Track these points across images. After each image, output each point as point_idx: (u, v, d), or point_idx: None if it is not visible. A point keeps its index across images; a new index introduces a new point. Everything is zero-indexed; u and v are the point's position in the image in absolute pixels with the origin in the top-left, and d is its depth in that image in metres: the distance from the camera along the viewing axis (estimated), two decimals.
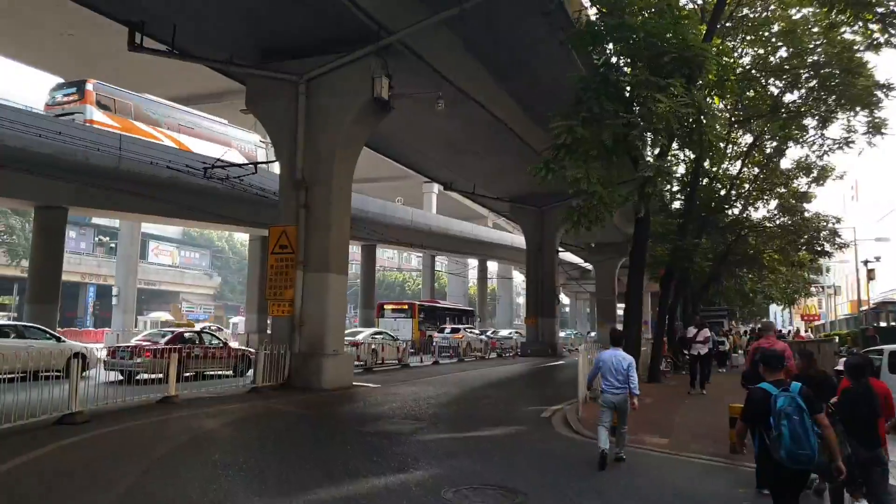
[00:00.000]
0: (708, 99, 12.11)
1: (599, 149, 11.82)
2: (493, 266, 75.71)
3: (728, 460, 7.72)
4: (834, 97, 16.87)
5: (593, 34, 12.38)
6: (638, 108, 11.77)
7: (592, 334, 69.16)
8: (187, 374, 13.69)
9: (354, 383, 15.56)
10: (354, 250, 40.54)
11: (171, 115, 30.33)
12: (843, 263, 34.80)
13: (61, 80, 28.36)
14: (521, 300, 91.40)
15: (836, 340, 24.68)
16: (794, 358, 7.18)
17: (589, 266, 66.08)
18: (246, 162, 25.93)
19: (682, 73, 11.31)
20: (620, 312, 72.13)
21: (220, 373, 16.32)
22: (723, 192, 20.26)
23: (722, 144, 13.05)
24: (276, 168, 19.13)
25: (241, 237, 68.01)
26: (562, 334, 53.03)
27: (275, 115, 15.96)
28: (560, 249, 38.52)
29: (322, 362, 14.31)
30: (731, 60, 14.87)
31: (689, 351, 14.67)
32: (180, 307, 58.90)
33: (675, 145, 13.22)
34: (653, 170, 10.91)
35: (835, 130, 20.31)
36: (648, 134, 11.82)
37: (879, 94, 15.40)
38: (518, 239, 50.07)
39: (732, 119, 19.38)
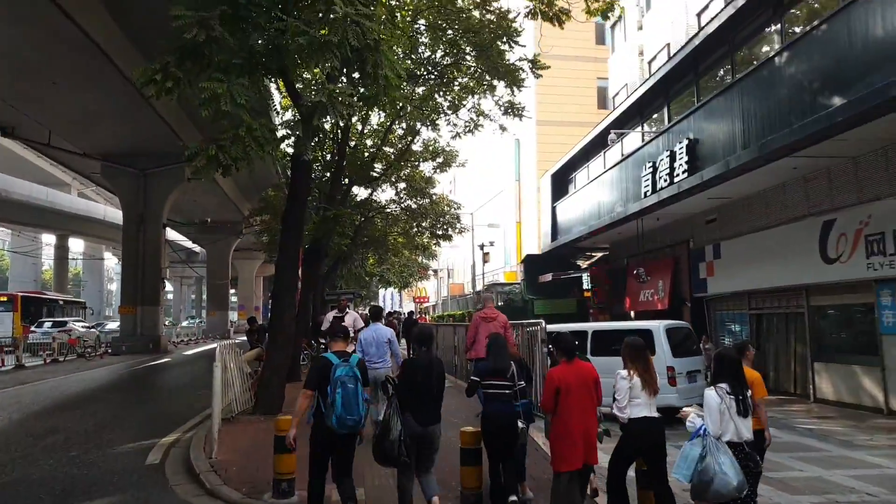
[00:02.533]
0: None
1: (246, 59, 8.22)
2: (78, 245, 62.79)
3: None
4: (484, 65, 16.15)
5: None
6: (303, 12, 8.46)
7: (198, 321, 63.11)
8: None
9: None
10: None
11: None
12: (454, 249, 37.46)
13: None
14: (116, 287, 78.89)
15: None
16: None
17: (197, 248, 60.08)
18: None
19: None
20: (234, 299, 68.23)
21: None
22: (366, 156, 18.09)
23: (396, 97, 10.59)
24: None
25: None
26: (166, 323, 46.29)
27: None
28: (165, 227, 32.49)
29: None
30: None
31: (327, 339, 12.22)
32: None
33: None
34: (324, 94, 7.75)
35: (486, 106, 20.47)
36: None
37: (526, 66, 15.12)
38: (114, 213, 41.47)
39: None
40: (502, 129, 17.17)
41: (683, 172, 12.58)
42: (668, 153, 13.17)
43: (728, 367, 4.56)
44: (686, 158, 12.47)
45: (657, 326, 9.96)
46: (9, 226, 41.43)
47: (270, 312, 9.80)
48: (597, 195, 18.35)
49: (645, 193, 14.36)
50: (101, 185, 34.60)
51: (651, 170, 14.06)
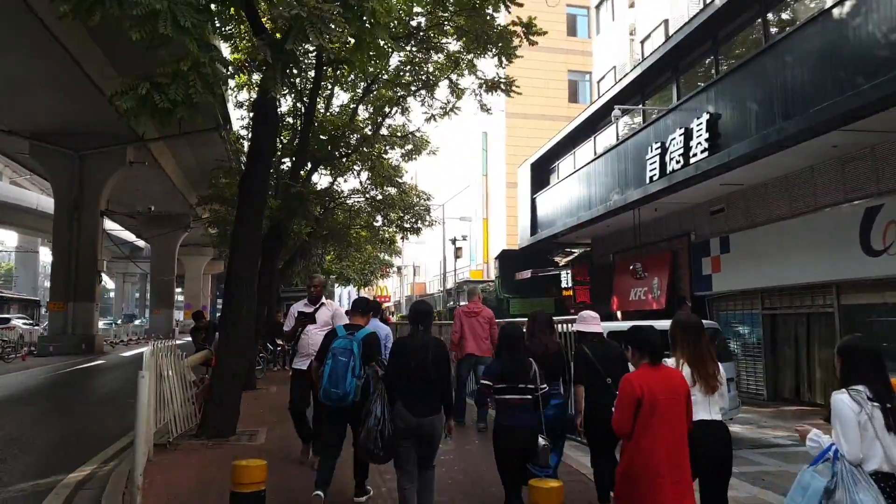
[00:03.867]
0: None
1: None
2: (10, 238, 58.49)
3: None
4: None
5: None
6: None
7: (139, 322, 59.25)
8: None
9: None
10: None
11: None
12: (420, 245, 35.50)
13: None
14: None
15: None
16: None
17: (142, 243, 56.51)
18: None
19: None
20: (180, 298, 64.66)
21: None
22: (339, 126, 15.87)
23: (382, 43, 8.59)
24: None
25: None
26: (103, 325, 43.14)
27: None
28: (103, 215, 29.63)
29: None
30: None
31: (286, 342, 9.99)
32: None
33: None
34: (302, 8, 5.83)
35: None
36: None
37: (519, 30, 13.39)
38: (48, 202, 38.01)
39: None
40: (484, 108, 15.36)
41: (703, 152, 11.06)
42: (682, 131, 11.64)
43: (866, 361, 3.06)
44: (706, 136, 10.95)
45: None
46: None
47: (223, 306, 7.66)
48: (585, 184, 16.82)
49: (651, 178, 12.83)
50: (30, 169, 31.35)
51: (659, 151, 12.53)
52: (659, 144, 12.58)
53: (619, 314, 17.73)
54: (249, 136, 19.47)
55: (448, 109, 16.31)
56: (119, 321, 58.37)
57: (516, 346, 4.52)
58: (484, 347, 7.97)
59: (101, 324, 33.50)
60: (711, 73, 12.21)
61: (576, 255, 21.79)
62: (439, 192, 40.00)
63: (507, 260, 22.94)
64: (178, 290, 66.63)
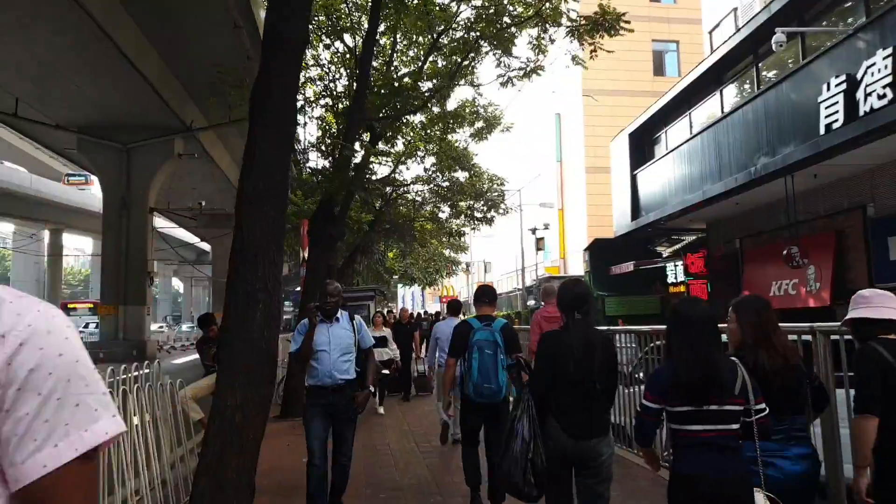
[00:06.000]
0: None
1: None
2: (85, 244, 59.06)
3: None
4: None
5: None
6: None
7: (185, 327, 58.21)
8: None
9: None
10: None
11: None
12: (489, 239, 32.47)
13: None
14: None
15: None
16: None
17: (207, 246, 55.81)
18: None
19: None
20: None
21: None
22: (406, 81, 12.65)
23: None
24: None
25: None
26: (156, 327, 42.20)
27: None
28: (157, 213, 28.04)
29: None
30: None
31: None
32: None
33: None
34: None
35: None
36: None
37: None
38: None
39: None
40: (576, 60, 12.18)
41: None
42: (892, 50, 8.11)
43: None
44: None
45: None
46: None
47: (224, 311, 4.70)
48: (708, 151, 13.39)
49: (828, 127, 9.34)
50: (79, 165, 30.08)
51: (842, 87, 9.03)
52: (842, 78, 9.07)
53: None
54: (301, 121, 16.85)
55: (529, 70, 13.08)
56: (165, 324, 57.71)
57: (704, 335, 2.66)
58: None
59: (153, 327, 32.13)
60: None
61: (684, 243, 18.23)
62: (507, 184, 36.88)
63: (600, 251, 19.57)
64: None
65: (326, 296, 4.80)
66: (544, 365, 3.32)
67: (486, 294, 4.77)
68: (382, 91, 10.21)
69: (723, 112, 13.24)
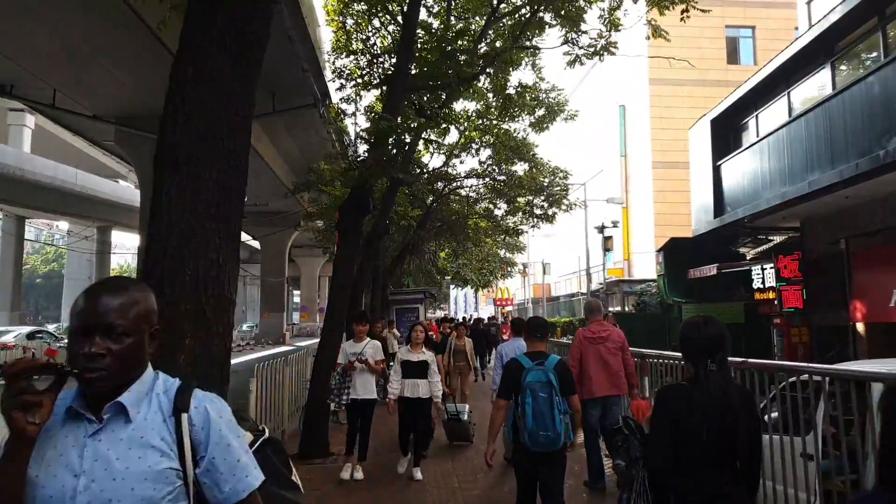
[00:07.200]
0: None
1: None
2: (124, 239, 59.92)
3: None
4: None
5: None
6: None
7: (247, 326, 58.15)
8: None
9: None
10: None
11: None
12: (547, 238, 30.61)
13: None
14: None
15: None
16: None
17: (257, 244, 55.74)
18: None
19: None
20: (297, 300, 63.52)
21: None
22: (459, 45, 10.81)
23: None
24: None
25: None
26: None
27: None
28: None
29: None
30: None
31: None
32: None
33: None
34: None
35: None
36: None
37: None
38: None
39: None
40: (657, 32, 10.37)
41: None
42: None
43: None
44: None
45: None
46: (29, 212, 36.94)
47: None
48: (810, 136, 11.34)
49: None
50: (117, 156, 29.61)
51: None
52: None
53: (859, 326, 12.09)
54: (350, 110, 15.35)
55: (600, 48, 11.23)
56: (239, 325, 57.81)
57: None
58: (619, 384, 6.14)
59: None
60: None
61: (773, 243, 16.02)
62: (571, 177, 34.92)
63: (675, 252, 17.50)
64: (296, 292, 65.61)
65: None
66: (665, 433, 2.58)
67: (537, 328, 4.34)
68: (429, 57, 8.62)
69: (834, 88, 11.16)
